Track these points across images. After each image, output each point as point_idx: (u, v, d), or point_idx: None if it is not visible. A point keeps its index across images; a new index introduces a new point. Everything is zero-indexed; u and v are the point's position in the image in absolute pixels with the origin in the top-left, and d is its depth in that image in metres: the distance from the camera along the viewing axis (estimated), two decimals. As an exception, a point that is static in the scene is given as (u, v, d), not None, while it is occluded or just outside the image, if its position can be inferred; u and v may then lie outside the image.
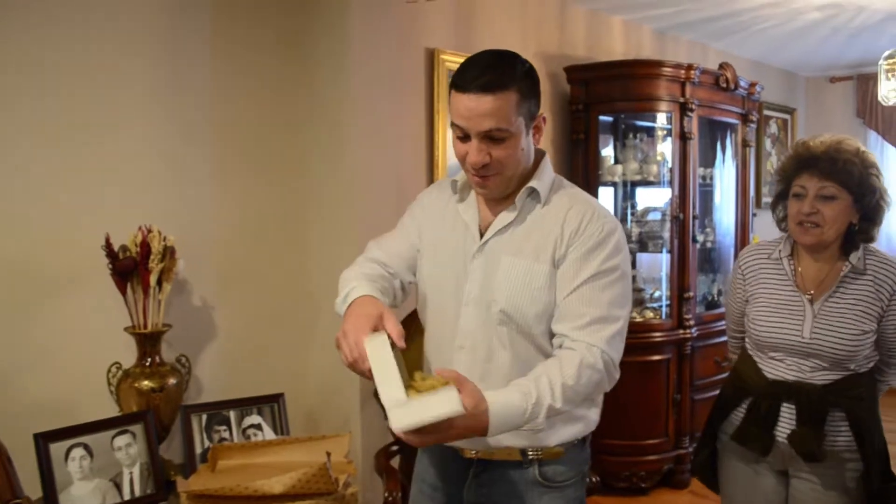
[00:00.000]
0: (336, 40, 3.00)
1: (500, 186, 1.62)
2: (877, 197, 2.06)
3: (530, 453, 1.64)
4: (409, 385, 1.37)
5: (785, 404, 2.10)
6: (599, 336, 1.54)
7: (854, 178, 2.03)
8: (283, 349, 3.02)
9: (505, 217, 1.65)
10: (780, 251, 2.20)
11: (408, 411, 1.32)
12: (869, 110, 6.03)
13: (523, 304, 1.60)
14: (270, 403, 2.53)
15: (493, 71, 1.54)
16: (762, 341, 2.15)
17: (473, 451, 1.68)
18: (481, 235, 1.67)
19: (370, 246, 1.83)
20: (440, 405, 1.32)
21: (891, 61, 3.74)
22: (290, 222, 3.05)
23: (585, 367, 1.50)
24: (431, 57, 3.34)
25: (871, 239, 2.12)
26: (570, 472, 1.68)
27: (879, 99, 3.87)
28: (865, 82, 6.02)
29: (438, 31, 3.39)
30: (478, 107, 1.52)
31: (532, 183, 1.64)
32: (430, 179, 3.38)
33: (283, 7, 2.98)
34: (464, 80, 1.54)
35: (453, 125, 1.59)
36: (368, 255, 1.80)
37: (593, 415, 1.70)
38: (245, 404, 2.50)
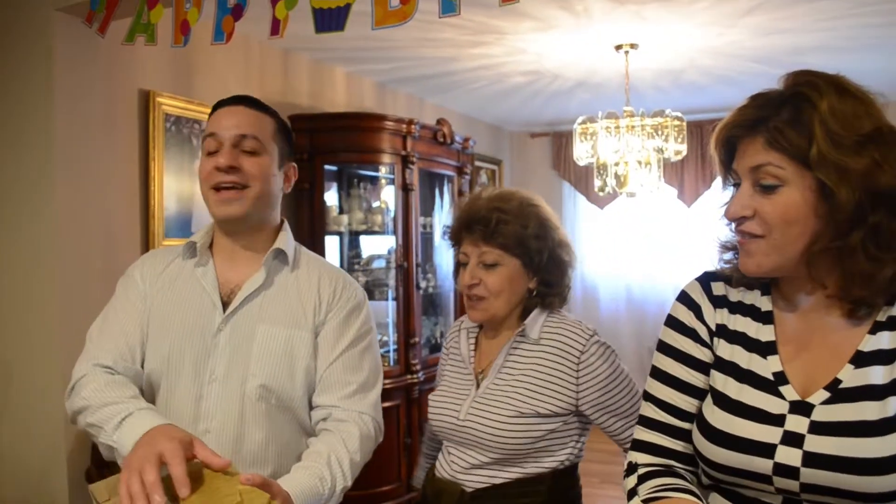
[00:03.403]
0: (37, 77, 2.70)
1: (245, 205, 1.52)
2: (546, 255, 1.72)
3: None
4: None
5: None
6: (367, 403, 1.55)
7: (511, 238, 1.68)
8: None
9: (254, 281, 1.55)
10: (461, 323, 1.86)
11: None
12: (563, 164, 6.73)
13: (286, 376, 1.52)
14: (-50, 499, 2.15)
15: (255, 100, 1.59)
16: (431, 426, 1.81)
17: None
18: (224, 304, 1.54)
19: (92, 350, 1.53)
20: None
21: (583, 126, 4.20)
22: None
23: (365, 439, 1.52)
24: (147, 99, 3.13)
25: (551, 305, 1.76)
26: None
27: (574, 159, 4.31)
28: (559, 139, 6.73)
29: (155, 72, 3.19)
30: (236, 113, 1.54)
31: (279, 244, 1.59)
32: (146, 229, 3.15)
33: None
34: (224, 101, 1.57)
35: (205, 139, 1.55)
36: (98, 362, 1.50)
37: None
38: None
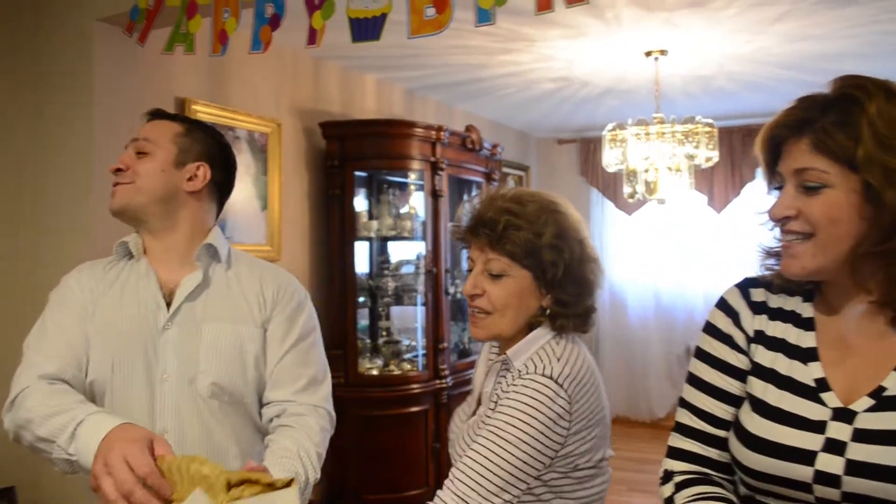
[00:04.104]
0: (77, 84, 2.77)
1: (123, 198, 1.58)
2: (562, 269, 1.44)
3: None
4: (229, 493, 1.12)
5: None
6: (319, 396, 1.59)
7: (521, 246, 1.44)
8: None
9: (191, 280, 1.57)
10: (490, 347, 1.65)
11: None
12: (590, 170, 6.72)
13: (236, 372, 1.54)
14: (-5, 498, 2.20)
15: (164, 112, 1.67)
16: None
17: None
18: (167, 304, 1.55)
19: (34, 360, 1.48)
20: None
21: (612, 133, 4.20)
22: (4, 284, 2.71)
23: (325, 432, 1.55)
24: (182, 106, 3.19)
25: (562, 328, 1.47)
26: None
27: (603, 165, 4.30)
28: (587, 145, 6.72)
29: (190, 80, 3.25)
30: (148, 125, 1.65)
31: (209, 240, 1.60)
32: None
33: (13, 48, 2.69)
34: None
35: None
36: (42, 372, 1.45)
37: None
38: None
